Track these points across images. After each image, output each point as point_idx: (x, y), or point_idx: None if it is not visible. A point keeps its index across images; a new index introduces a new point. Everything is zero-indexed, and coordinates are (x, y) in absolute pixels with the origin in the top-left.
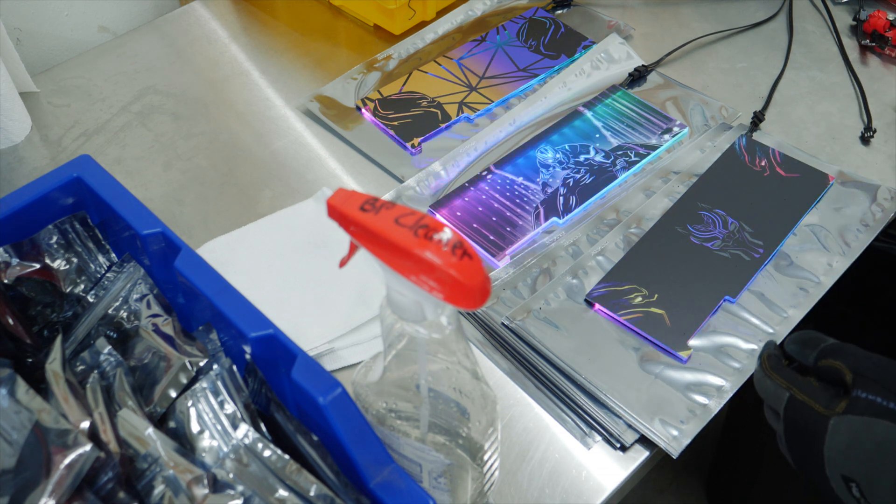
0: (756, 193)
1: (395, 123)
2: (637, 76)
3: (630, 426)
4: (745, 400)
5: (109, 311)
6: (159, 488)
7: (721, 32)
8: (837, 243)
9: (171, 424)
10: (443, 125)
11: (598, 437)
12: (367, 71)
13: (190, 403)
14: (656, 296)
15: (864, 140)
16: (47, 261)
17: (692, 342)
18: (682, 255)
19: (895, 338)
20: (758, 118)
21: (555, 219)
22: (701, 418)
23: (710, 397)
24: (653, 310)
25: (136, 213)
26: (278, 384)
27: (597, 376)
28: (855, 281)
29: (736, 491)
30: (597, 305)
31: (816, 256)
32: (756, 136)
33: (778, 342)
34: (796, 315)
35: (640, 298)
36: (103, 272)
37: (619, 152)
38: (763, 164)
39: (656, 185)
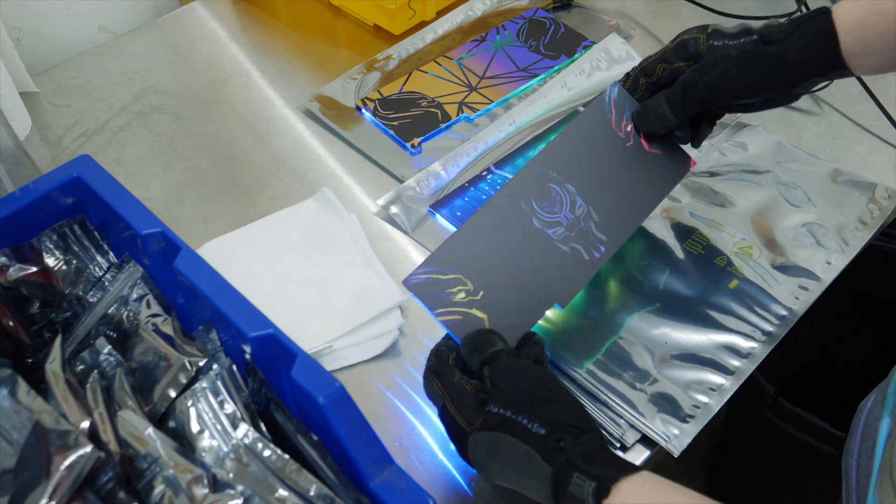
0: (613, 168)
1: (395, 123)
2: None
3: (631, 426)
4: (745, 399)
5: (109, 311)
6: (159, 488)
7: None
8: (836, 241)
9: (171, 424)
10: (443, 125)
11: None
12: (367, 71)
13: (190, 403)
14: (481, 293)
15: None
16: (46, 263)
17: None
18: (520, 241)
19: (892, 336)
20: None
21: None
22: (702, 417)
23: (711, 396)
24: (474, 311)
25: (136, 213)
26: (278, 384)
27: (596, 376)
28: (853, 279)
29: (736, 491)
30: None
31: (814, 254)
32: (747, 131)
33: (776, 340)
34: (796, 312)
35: (462, 294)
36: (102, 273)
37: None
38: (629, 129)
39: None
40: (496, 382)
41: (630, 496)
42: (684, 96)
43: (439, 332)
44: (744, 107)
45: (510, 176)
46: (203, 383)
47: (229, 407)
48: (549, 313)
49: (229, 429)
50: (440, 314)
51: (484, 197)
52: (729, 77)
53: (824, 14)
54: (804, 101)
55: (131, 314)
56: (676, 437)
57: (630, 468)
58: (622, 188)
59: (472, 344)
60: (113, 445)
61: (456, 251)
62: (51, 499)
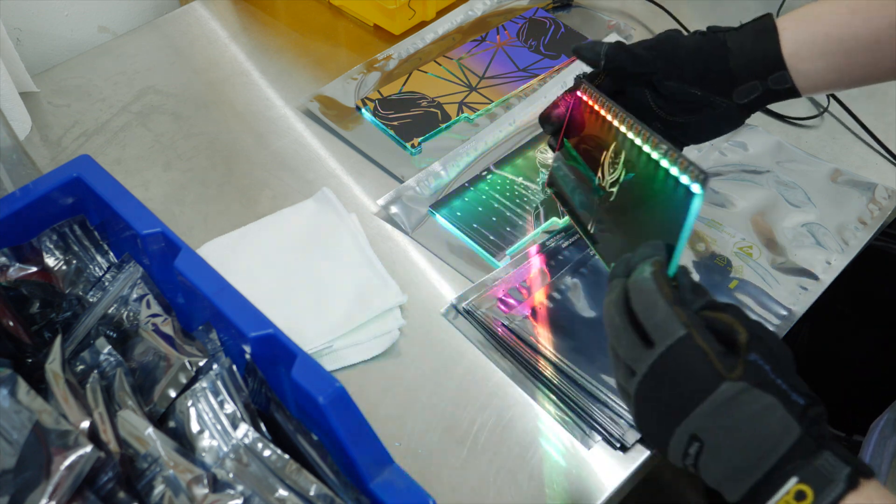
0: None
1: (395, 123)
2: None
3: (631, 426)
4: None
5: (109, 311)
6: (159, 488)
7: None
8: (836, 241)
9: (171, 424)
10: (443, 125)
11: (598, 437)
12: (367, 71)
13: (190, 403)
14: None
15: None
16: (46, 263)
17: None
18: None
19: (892, 336)
20: None
21: (554, 219)
22: None
23: None
24: None
25: (136, 213)
26: (278, 384)
27: (597, 376)
28: (853, 279)
29: None
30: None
31: (814, 254)
32: (747, 131)
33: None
34: (796, 312)
35: None
36: (102, 273)
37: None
38: None
39: None
40: (757, 333)
41: (876, 496)
42: (624, 47)
43: (438, 334)
44: (685, 106)
45: (510, 176)
46: (203, 383)
47: (229, 407)
48: (546, 313)
49: (229, 429)
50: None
51: (484, 197)
52: (670, 41)
53: (768, 15)
54: (804, 102)
55: (131, 314)
56: None
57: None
58: None
59: (691, 283)
60: (113, 445)
61: None
62: (51, 499)
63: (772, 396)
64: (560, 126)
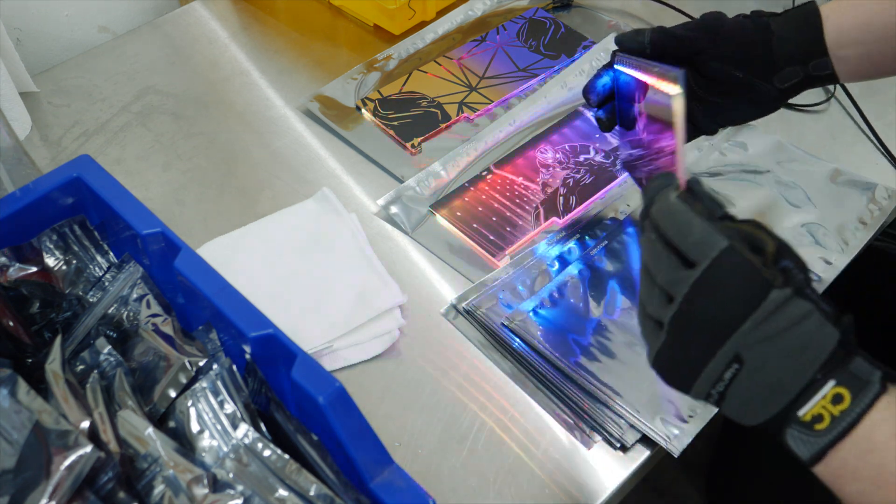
0: None
1: (395, 123)
2: None
3: (631, 426)
4: None
5: (109, 311)
6: (159, 488)
7: None
8: (836, 241)
9: (171, 424)
10: (443, 125)
11: (598, 437)
12: (367, 71)
13: (190, 403)
14: None
15: None
16: (46, 263)
17: None
18: None
19: (892, 336)
20: None
21: (555, 219)
22: (702, 417)
23: None
24: None
25: (136, 213)
26: (278, 384)
27: (596, 375)
28: (853, 279)
29: (736, 491)
30: None
31: (814, 253)
32: (747, 131)
33: None
34: None
35: None
36: (102, 273)
37: (619, 152)
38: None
39: None
40: (782, 241)
41: None
42: (666, 31)
43: (438, 334)
44: (725, 88)
45: (510, 176)
46: (203, 383)
47: (229, 407)
48: (546, 313)
49: (229, 429)
50: None
51: (484, 197)
52: (715, 21)
53: (812, 2)
54: (804, 99)
55: (131, 314)
56: (676, 437)
57: None
58: None
59: (707, 191)
60: (113, 445)
61: None
62: (51, 499)
63: (810, 304)
64: (605, 95)
